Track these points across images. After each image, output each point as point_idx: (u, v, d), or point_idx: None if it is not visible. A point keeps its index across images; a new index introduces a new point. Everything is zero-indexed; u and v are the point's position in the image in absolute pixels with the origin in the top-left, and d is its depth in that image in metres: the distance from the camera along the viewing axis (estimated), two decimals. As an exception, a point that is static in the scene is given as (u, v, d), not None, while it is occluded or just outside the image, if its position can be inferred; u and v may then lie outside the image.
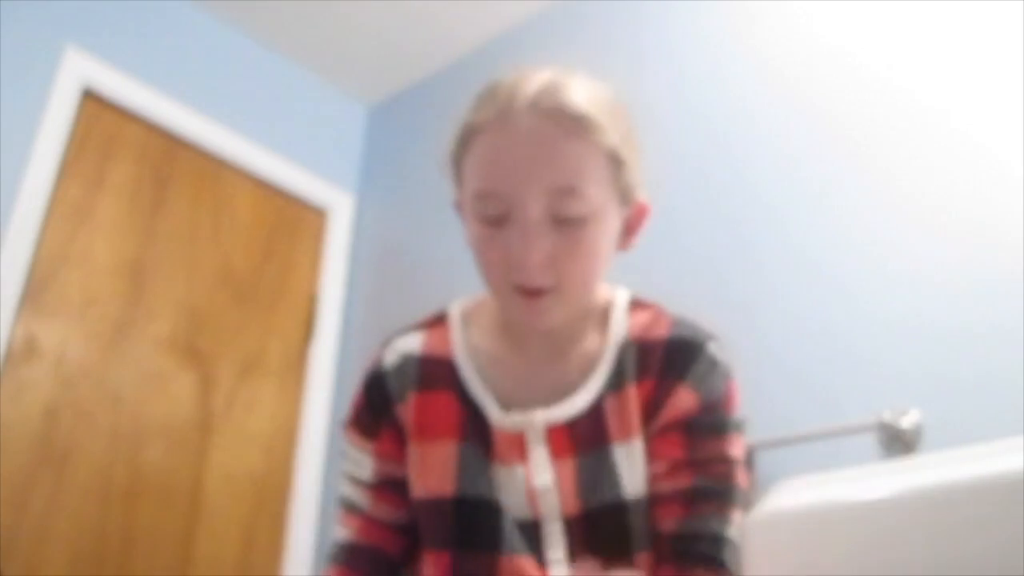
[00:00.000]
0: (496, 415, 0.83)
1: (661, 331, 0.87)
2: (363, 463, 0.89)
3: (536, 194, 0.76)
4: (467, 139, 0.81)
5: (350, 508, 0.90)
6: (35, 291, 1.93)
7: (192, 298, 2.22)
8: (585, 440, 0.81)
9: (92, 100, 2.17)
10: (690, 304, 1.77)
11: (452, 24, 2.51)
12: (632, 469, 0.80)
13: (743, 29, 1.94)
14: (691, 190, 1.88)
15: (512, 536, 0.80)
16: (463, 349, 0.88)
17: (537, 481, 0.80)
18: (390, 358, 0.90)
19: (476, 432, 0.83)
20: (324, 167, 2.65)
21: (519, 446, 0.82)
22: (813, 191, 1.68)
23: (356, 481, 0.90)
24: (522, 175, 0.76)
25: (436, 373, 0.87)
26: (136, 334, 2.09)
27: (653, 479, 0.81)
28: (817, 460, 1.43)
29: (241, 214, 2.41)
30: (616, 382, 0.84)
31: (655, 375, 0.84)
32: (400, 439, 0.87)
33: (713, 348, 0.86)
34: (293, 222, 2.54)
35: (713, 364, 0.85)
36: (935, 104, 1.59)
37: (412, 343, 0.90)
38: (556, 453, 0.81)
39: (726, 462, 0.81)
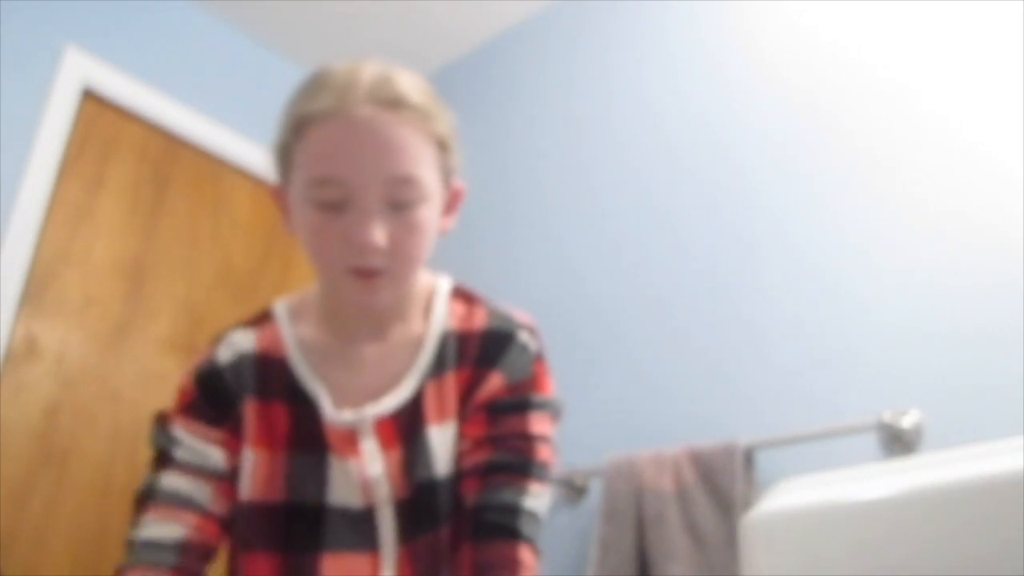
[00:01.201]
0: (329, 413, 0.87)
1: (479, 322, 0.92)
2: (209, 454, 0.88)
3: (376, 181, 0.79)
4: (301, 128, 0.81)
5: (180, 502, 0.87)
6: (35, 291, 1.93)
7: (192, 298, 2.22)
8: (408, 427, 0.87)
9: (92, 100, 2.17)
10: (689, 304, 1.78)
11: (452, 24, 2.51)
12: (444, 449, 0.87)
13: (742, 30, 1.94)
14: (690, 191, 1.88)
15: (340, 534, 0.85)
16: (293, 344, 0.91)
17: (370, 471, 0.85)
18: (225, 354, 0.91)
19: (308, 433, 0.87)
20: (324, 167, 2.65)
21: (351, 441, 0.86)
22: (813, 191, 1.68)
23: (198, 471, 0.87)
24: (362, 163, 0.79)
25: (270, 376, 0.90)
26: (136, 334, 2.09)
27: (459, 457, 0.87)
28: (817, 460, 1.43)
29: (241, 214, 2.41)
30: (437, 370, 0.89)
31: (472, 364, 0.90)
32: (238, 436, 0.89)
33: (524, 336, 0.92)
34: (293, 222, 2.53)
35: (523, 350, 0.91)
36: (935, 105, 1.59)
37: (246, 341, 0.92)
38: (385, 443, 0.87)
39: (526, 438, 0.86)
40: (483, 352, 0.90)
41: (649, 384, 1.77)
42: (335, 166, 0.79)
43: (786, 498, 0.57)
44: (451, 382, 0.89)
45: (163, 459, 0.89)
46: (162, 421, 0.91)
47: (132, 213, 2.17)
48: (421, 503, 0.86)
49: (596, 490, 1.72)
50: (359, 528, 0.86)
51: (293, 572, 0.85)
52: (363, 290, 0.82)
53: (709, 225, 1.82)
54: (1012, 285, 1.38)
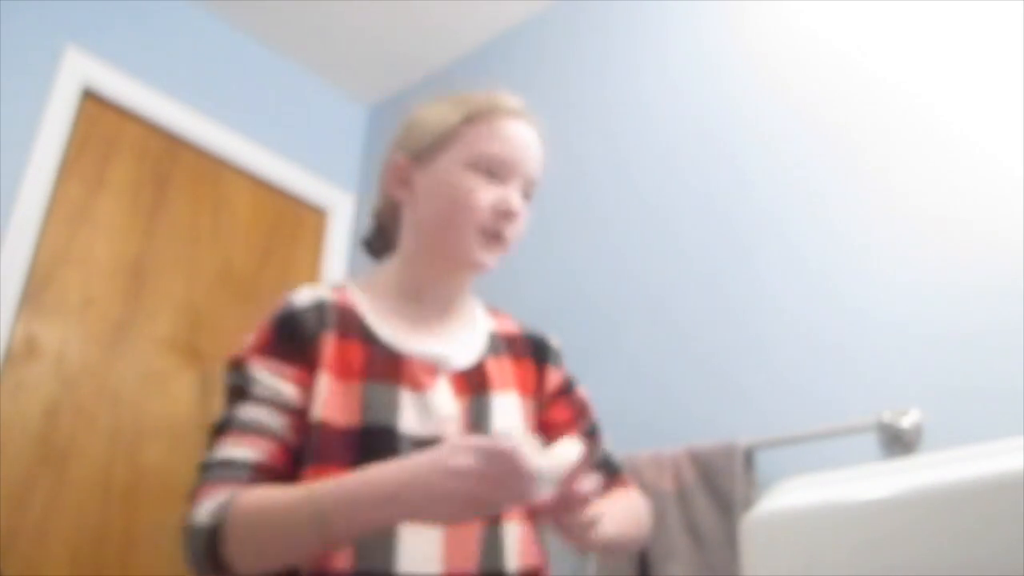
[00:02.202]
0: (413, 347, 1.00)
1: (512, 326, 1.13)
2: (284, 389, 0.93)
3: (525, 173, 1.05)
4: (477, 115, 1.03)
5: (257, 429, 0.91)
6: (35, 291, 1.93)
7: (192, 298, 2.22)
8: (476, 386, 1.01)
9: (92, 100, 2.17)
10: (688, 306, 1.78)
11: (452, 24, 2.51)
12: (505, 414, 1.01)
13: (741, 32, 1.94)
14: (689, 190, 1.88)
15: (408, 454, 0.93)
16: (366, 305, 1.03)
17: (445, 410, 0.97)
18: (304, 299, 1.00)
19: (383, 368, 0.98)
20: (324, 167, 2.65)
21: (432, 375, 0.99)
22: (812, 192, 1.68)
23: (274, 404, 0.92)
24: (524, 155, 1.04)
25: (347, 320, 1.00)
26: (136, 334, 2.09)
27: (556, 429, 1.06)
28: (817, 460, 1.43)
29: (241, 214, 2.41)
30: (494, 350, 1.07)
31: (531, 359, 1.10)
32: (312, 373, 0.95)
33: (555, 340, 1.14)
34: (293, 222, 2.54)
35: (559, 350, 1.14)
36: (934, 107, 1.59)
37: (323, 293, 1.02)
38: (456, 391, 1.00)
39: (588, 404, 1.12)
40: (536, 351, 1.11)
41: (649, 384, 1.77)
42: (508, 149, 1.02)
43: (786, 498, 0.57)
44: (508, 364, 1.06)
45: (239, 395, 0.94)
46: (236, 363, 0.96)
47: (132, 213, 2.17)
48: None
49: (596, 490, 1.72)
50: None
51: None
52: (487, 248, 1.01)
53: (708, 225, 1.82)
54: (1012, 286, 1.38)
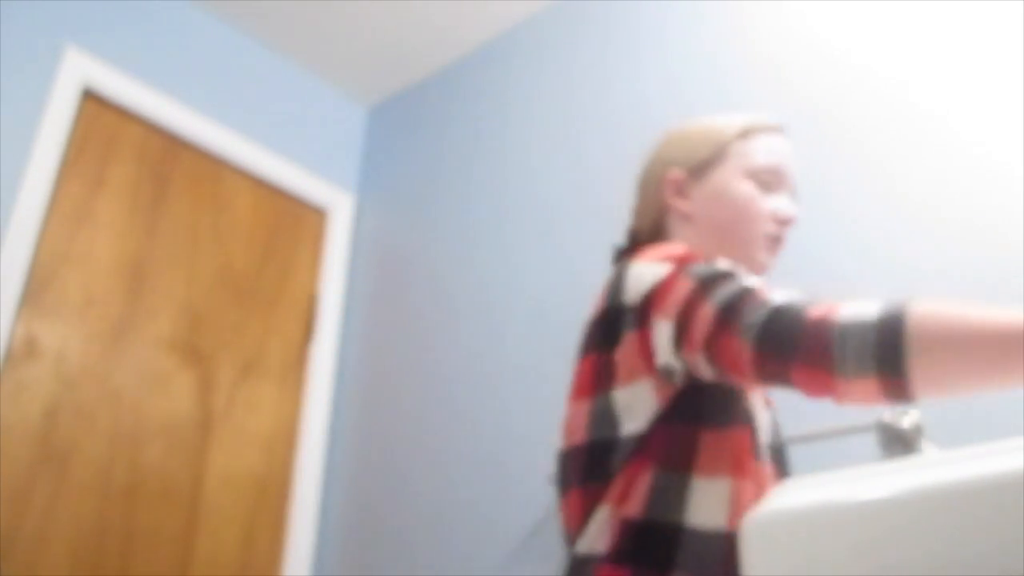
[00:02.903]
0: None
1: None
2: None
3: (791, 182, 1.14)
4: (750, 131, 1.12)
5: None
6: (35, 291, 1.94)
7: (192, 298, 2.22)
8: (765, 399, 1.07)
9: (92, 100, 2.17)
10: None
11: (452, 24, 2.51)
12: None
13: (742, 32, 1.94)
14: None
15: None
16: None
17: (763, 413, 1.00)
18: None
19: None
20: (324, 167, 2.65)
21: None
22: (811, 191, 1.68)
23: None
24: (790, 167, 1.14)
25: None
26: (136, 334, 2.09)
27: None
28: (817, 460, 1.43)
29: (241, 214, 2.41)
30: None
31: None
32: None
33: None
34: (293, 222, 2.54)
35: None
36: (934, 102, 1.59)
37: None
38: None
39: None
40: None
41: (649, 384, 1.76)
42: (779, 160, 1.11)
43: (786, 498, 0.57)
44: None
45: (732, 275, 0.90)
46: (698, 260, 0.93)
47: (132, 213, 2.17)
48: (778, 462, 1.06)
49: (596, 490, 1.72)
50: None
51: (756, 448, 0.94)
52: (770, 252, 1.09)
53: (709, 225, 1.82)
54: (1012, 286, 1.38)
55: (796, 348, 0.79)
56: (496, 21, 2.49)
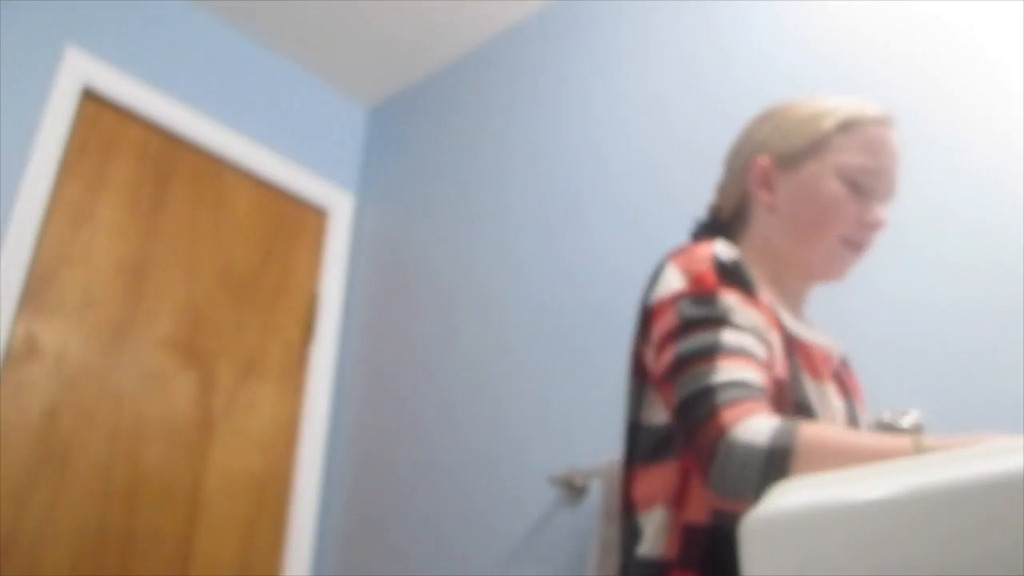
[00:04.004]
0: (810, 335, 1.01)
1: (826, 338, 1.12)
2: (756, 321, 0.89)
3: (891, 182, 1.05)
4: (852, 124, 1.04)
5: (747, 355, 0.85)
6: (35, 291, 1.94)
7: (192, 298, 2.22)
8: (844, 390, 1.04)
9: (92, 100, 2.17)
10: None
11: (452, 24, 2.51)
12: (864, 424, 1.05)
13: (754, 30, 1.94)
14: (696, 187, 1.87)
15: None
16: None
17: (836, 403, 0.97)
18: (727, 252, 0.96)
19: (788, 349, 0.96)
20: (324, 167, 2.65)
21: (827, 366, 1.00)
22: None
23: (755, 333, 0.88)
24: (892, 166, 1.05)
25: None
26: (136, 334, 2.09)
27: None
28: (817, 460, 1.43)
29: (241, 214, 2.41)
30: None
31: (851, 370, 1.15)
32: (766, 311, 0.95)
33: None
34: (293, 222, 2.54)
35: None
36: (936, 92, 1.59)
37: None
38: (836, 388, 1.01)
39: None
40: (848, 365, 1.16)
41: (649, 384, 1.76)
42: (878, 160, 1.03)
43: (786, 498, 0.57)
44: (847, 374, 1.11)
45: (715, 323, 0.88)
46: (701, 294, 0.90)
47: (132, 213, 2.17)
48: None
49: (596, 490, 1.72)
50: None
51: None
52: (849, 258, 1.04)
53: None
54: (1013, 286, 1.38)
55: (692, 441, 0.81)
56: (496, 21, 2.49)
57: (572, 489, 1.75)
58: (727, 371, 0.83)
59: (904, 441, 0.72)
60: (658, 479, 0.91)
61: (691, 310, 0.89)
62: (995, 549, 0.47)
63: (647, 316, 0.96)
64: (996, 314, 1.38)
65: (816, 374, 0.97)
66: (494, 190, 2.30)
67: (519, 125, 2.33)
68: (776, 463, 0.73)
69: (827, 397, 0.96)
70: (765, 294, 0.98)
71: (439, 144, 2.54)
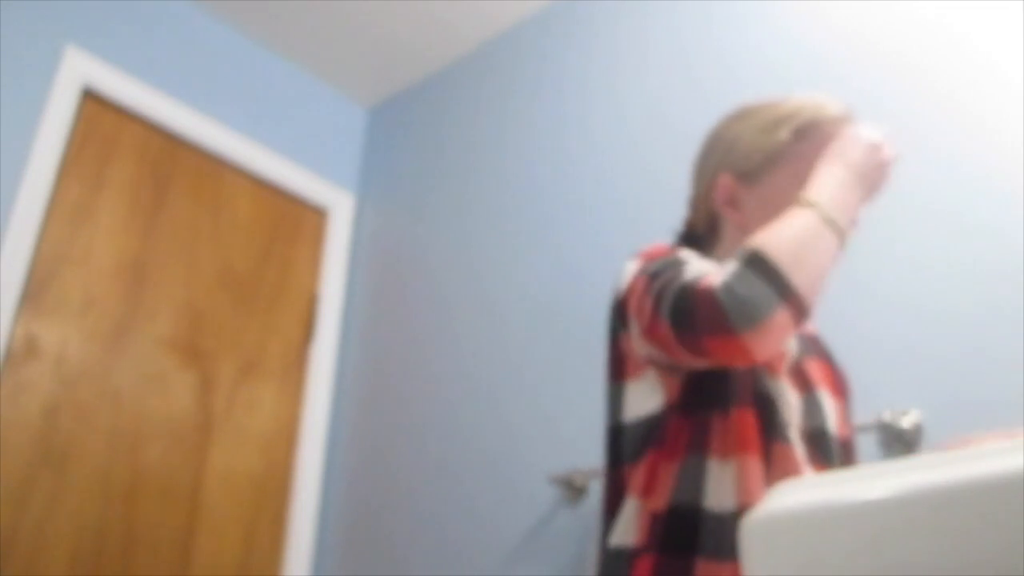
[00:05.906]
0: (799, 347, 1.03)
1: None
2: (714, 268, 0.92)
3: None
4: (808, 129, 1.04)
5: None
6: (35, 291, 1.94)
7: (192, 298, 2.22)
8: (844, 386, 1.09)
9: (92, 100, 2.17)
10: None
11: (452, 24, 2.51)
12: (831, 415, 1.06)
13: (751, 29, 1.94)
14: (691, 190, 1.88)
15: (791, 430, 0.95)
16: None
17: (828, 405, 1.01)
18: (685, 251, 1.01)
19: None
20: (324, 167, 2.65)
21: (781, 362, 1.00)
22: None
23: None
24: None
25: None
26: (136, 334, 2.09)
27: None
28: (817, 460, 1.43)
29: (241, 214, 2.41)
30: (805, 351, 1.09)
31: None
32: None
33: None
34: (293, 222, 2.54)
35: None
36: (933, 92, 1.59)
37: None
38: (832, 392, 1.05)
39: None
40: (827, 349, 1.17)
41: (649, 384, 1.76)
42: None
43: (786, 498, 0.57)
44: (816, 364, 1.10)
45: (679, 262, 0.93)
46: (653, 258, 0.97)
47: (132, 213, 2.17)
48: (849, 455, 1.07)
49: (596, 490, 1.72)
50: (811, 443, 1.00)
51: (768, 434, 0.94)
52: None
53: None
54: (1013, 286, 1.38)
55: (697, 322, 0.83)
56: (496, 21, 2.49)
57: (572, 489, 1.75)
58: (695, 268, 0.90)
59: (807, 213, 0.88)
60: (642, 473, 0.94)
61: (653, 265, 0.95)
62: (996, 550, 0.47)
63: (618, 307, 1.00)
64: (996, 314, 1.38)
65: (771, 370, 0.98)
66: (494, 190, 2.30)
67: (518, 125, 2.33)
68: (764, 267, 0.82)
69: (784, 392, 0.97)
70: None
71: (439, 144, 2.54)
